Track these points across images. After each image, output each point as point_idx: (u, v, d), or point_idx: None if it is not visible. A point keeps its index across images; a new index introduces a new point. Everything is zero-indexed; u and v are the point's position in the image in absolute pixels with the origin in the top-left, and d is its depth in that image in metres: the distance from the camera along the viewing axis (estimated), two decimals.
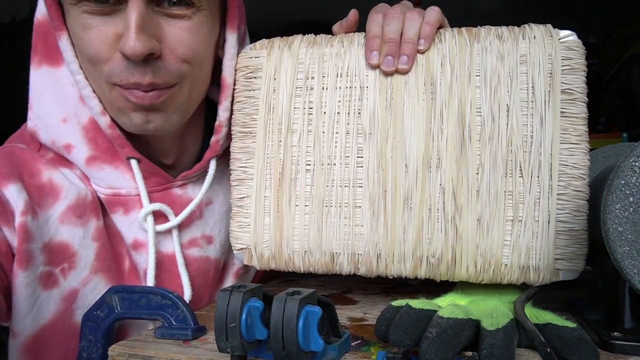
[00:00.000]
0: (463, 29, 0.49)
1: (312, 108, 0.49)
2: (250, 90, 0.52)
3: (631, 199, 0.35)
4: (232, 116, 0.54)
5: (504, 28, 0.48)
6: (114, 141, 0.53)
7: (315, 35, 0.52)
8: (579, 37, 0.46)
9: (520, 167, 0.45)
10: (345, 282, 0.69)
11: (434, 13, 0.50)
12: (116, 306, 0.46)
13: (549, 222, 0.44)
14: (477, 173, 0.45)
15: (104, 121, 0.52)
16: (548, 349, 0.33)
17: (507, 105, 0.45)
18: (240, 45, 0.57)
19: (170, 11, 0.48)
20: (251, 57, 0.53)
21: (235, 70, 0.54)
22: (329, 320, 0.38)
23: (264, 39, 0.54)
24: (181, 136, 0.57)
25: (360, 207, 0.47)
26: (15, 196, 0.48)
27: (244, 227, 0.51)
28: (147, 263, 0.53)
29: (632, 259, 0.35)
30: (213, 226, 0.59)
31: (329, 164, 0.48)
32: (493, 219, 0.45)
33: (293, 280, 0.72)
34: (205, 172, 0.58)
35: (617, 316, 0.41)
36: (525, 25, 0.48)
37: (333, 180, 0.48)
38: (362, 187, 0.48)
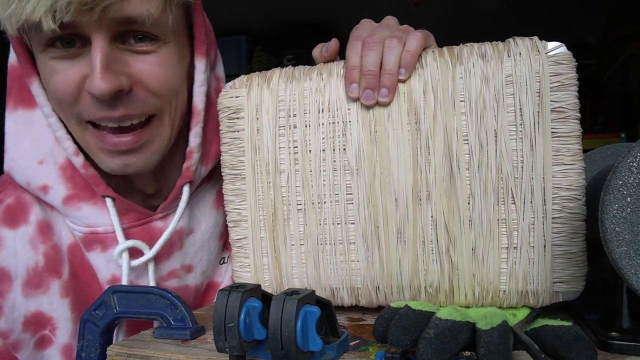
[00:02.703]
0: (445, 49, 0.47)
1: (297, 147, 0.48)
2: (234, 132, 0.51)
3: (629, 199, 0.35)
4: (221, 158, 0.52)
5: (487, 46, 0.45)
6: (88, 180, 0.52)
7: (294, 67, 0.50)
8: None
9: (512, 194, 0.43)
10: None
11: (415, 39, 0.46)
12: (115, 306, 0.46)
13: (544, 247, 0.43)
14: (468, 203, 0.44)
15: (78, 161, 0.52)
16: (543, 355, 0.33)
17: (494, 130, 0.44)
18: (212, 70, 0.57)
19: (136, 47, 0.48)
20: (232, 97, 0.51)
21: (218, 111, 0.52)
22: (327, 320, 0.39)
23: (243, 76, 0.51)
24: (161, 166, 0.56)
25: (354, 243, 0.47)
26: None
27: (245, 267, 0.51)
28: None
29: (629, 259, 0.35)
30: (194, 255, 0.59)
31: (319, 202, 0.48)
32: (487, 247, 0.44)
33: None
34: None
35: (615, 316, 0.41)
36: (510, 40, 0.45)
37: (325, 219, 0.48)
38: (354, 223, 0.47)
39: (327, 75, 0.49)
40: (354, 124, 0.47)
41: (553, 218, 0.43)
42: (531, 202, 0.43)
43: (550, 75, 0.43)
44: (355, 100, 0.47)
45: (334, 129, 0.48)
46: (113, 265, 0.54)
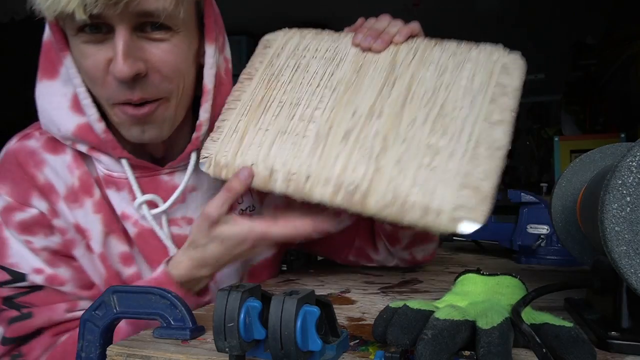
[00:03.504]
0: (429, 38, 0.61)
1: (299, 67, 0.62)
2: (261, 55, 0.66)
3: (628, 198, 0.35)
4: (243, 70, 0.66)
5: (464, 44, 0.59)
6: (107, 144, 0.61)
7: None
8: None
9: (446, 128, 0.52)
10: (344, 282, 0.69)
11: (413, 23, 0.62)
12: (115, 306, 0.46)
13: (457, 174, 0.49)
14: (408, 125, 0.53)
15: (100, 127, 0.60)
16: (544, 350, 0.33)
17: (448, 84, 0.55)
18: (221, 52, 0.65)
19: (152, 35, 0.55)
20: (272, 35, 0.68)
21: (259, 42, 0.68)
22: (327, 320, 0.39)
23: (286, 29, 0.67)
24: (170, 136, 0.63)
25: (307, 136, 0.56)
26: (43, 207, 0.61)
27: (215, 140, 0.61)
28: (135, 232, 0.64)
29: (629, 259, 0.35)
30: (195, 210, 0.67)
31: (297, 103, 0.59)
32: (410, 162, 0.51)
33: (292, 280, 0.72)
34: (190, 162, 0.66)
35: (615, 316, 0.41)
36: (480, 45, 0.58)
37: (294, 115, 0.59)
38: (314, 122, 0.57)
39: (344, 35, 0.65)
40: (348, 59, 0.61)
41: (472, 156, 0.50)
42: (459, 138, 0.51)
43: (501, 67, 0.55)
44: (357, 45, 0.62)
45: (332, 61, 0.62)
46: (124, 203, 0.64)
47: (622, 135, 1.89)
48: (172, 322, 0.44)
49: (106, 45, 0.54)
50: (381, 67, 0.59)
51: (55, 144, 0.64)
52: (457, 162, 0.50)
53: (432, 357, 0.32)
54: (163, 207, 0.64)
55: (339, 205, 0.53)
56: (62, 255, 0.63)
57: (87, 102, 0.59)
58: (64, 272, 0.63)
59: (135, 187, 0.63)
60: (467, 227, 0.48)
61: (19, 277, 0.61)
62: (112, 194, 0.64)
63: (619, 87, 2.34)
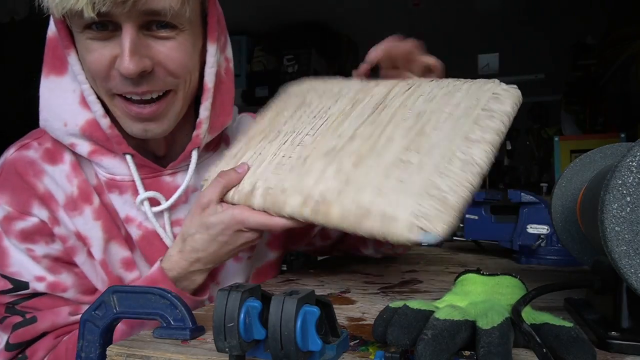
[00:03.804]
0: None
1: (303, 103, 0.67)
2: (277, 98, 0.72)
3: (628, 198, 0.35)
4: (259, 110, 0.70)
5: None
6: (112, 139, 0.62)
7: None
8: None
9: (421, 145, 0.51)
10: (344, 282, 0.69)
11: (434, 59, 0.67)
12: (115, 306, 0.46)
13: (424, 185, 0.47)
14: (385, 144, 0.53)
15: (105, 122, 0.61)
16: (544, 350, 0.33)
17: (433, 110, 0.54)
18: (222, 52, 0.67)
19: (158, 34, 0.57)
20: (290, 83, 0.74)
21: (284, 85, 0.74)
22: (327, 320, 0.38)
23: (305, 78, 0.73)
24: (172, 133, 0.65)
25: (291, 157, 0.58)
26: (44, 216, 0.61)
27: (216, 165, 0.65)
28: (139, 235, 0.65)
29: (629, 259, 0.35)
30: None
31: (291, 132, 0.62)
32: (379, 176, 0.50)
33: (291, 280, 0.72)
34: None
35: (615, 316, 0.41)
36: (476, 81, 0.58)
37: (286, 141, 0.61)
38: (301, 146, 0.59)
39: (352, 78, 0.68)
40: (348, 95, 0.64)
41: (443, 170, 0.48)
42: (431, 154, 0.50)
43: (492, 94, 0.53)
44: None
45: (333, 98, 0.65)
46: (127, 206, 0.65)
47: (622, 135, 1.89)
48: (172, 322, 0.44)
49: (112, 42, 0.55)
50: (375, 98, 0.60)
51: (53, 154, 0.64)
52: (426, 175, 0.48)
53: (432, 357, 0.32)
54: (165, 204, 0.64)
55: (306, 218, 0.53)
56: (63, 262, 0.63)
57: (91, 98, 0.60)
58: (65, 278, 0.63)
59: (138, 183, 0.63)
60: (425, 237, 0.45)
61: (21, 285, 0.61)
62: (114, 198, 0.65)
63: (619, 87, 2.34)
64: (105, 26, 0.55)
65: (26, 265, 0.61)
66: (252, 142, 0.64)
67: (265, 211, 0.56)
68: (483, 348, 0.33)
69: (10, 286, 0.61)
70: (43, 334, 0.61)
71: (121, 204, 0.65)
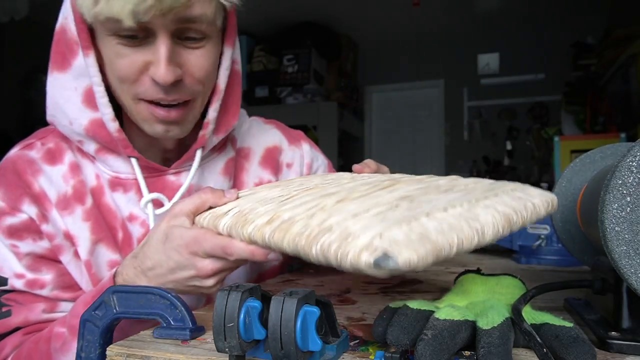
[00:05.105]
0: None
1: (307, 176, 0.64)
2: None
3: (628, 198, 0.35)
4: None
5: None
6: (119, 142, 0.62)
7: None
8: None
9: (420, 197, 0.43)
10: (344, 282, 0.69)
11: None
12: (114, 306, 0.46)
13: (407, 218, 0.38)
14: (381, 190, 0.46)
15: (113, 126, 0.61)
16: (545, 350, 0.33)
17: (455, 184, 0.47)
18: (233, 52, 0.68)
19: (188, 43, 0.58)
20: None
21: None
22: (327, 320, 0.39)
23: None
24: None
25: (280, 196, 0.52)
26: (33, 213, 0.62)
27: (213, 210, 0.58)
28: (142, 232, 0.65)
29: (629, 259, 0.35)
30: None
31: (288, 185, 0.57)
32: (358, 206, 0.42)
33: (291, 280, 0.72)
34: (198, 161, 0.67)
35: (615, 316, 0.41)
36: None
37: (280, 187, 0.55)
38: (295, 190, 0.52)
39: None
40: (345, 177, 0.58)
41: (436, 217, 0.39)
42: (428, 202, 0.42)
43: (522, 188, 0.45)
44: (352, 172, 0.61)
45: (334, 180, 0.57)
46: (131, 205, 0.66)
47: (622, 135, 1.89)
48: (172, 322, 0.44)
49: (144, 48, 0.56)
50: (385, 177, 0.55)
51: (54, 154, 0.65)
52: (412, 213, 0.39)
53: (432, 357, 0.32)
54: (168, 205, 0.64)
55: (264, 239, 0.44)
56: (47, 259, 0.63)
57: (103, 100, 0.60)
58: (45, 275, 0.63)
59: (142, 184, 0.64)
60: (383, 261, 0.32)
61: (0, 281, 0.61)
62: (118, 197, 0.65)
63: (619, 87, 2.34)
64: (138, 32, 0.55)
65: (8, 261, 0.62)
66: (247, 196, 0.56)
67: (228, 234, 0.48)
68: (483, 348, 0.33)
69: None
70: (16, 329, 0.62)
71: (125, 202, 0.65)
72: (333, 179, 0.58)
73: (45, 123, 0.67)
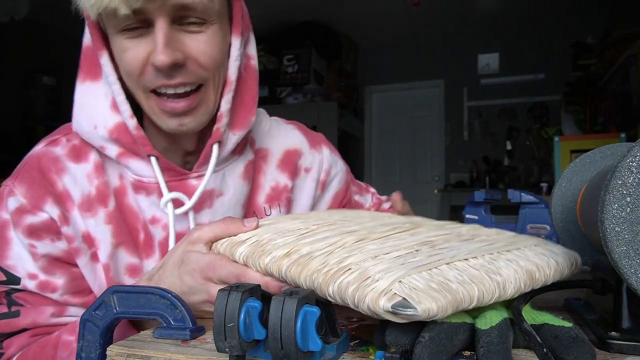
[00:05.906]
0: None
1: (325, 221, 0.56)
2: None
3: (628, 199, 0.35)
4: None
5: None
6: (138, 140, 0.63)
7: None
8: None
9: (442, 245, 0.44)
10: None
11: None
12: (115, 306, 0.46)
13: (427, 265, 0.39)
14: (405, 236, 0.47)
15: (132, 123, 0.62)
16: (545, 350, 0.33)
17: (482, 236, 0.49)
18: (245, 47, 0.68)
19: (189, 28, 0.59)
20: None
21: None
22: (327, 320, 0.39)
23: None
24: (202, 128, 0.65)
25: (300, 229, 0.51)
26: (55, 214, 0.62)
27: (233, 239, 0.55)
28: (163, 236, 0.65)
29: (629, 259, 0.35)
30: (221, 216, 0.66)
31: (307, 218, 0.56)
32: (377, 250, 0.42)
33: None
34: (219, 164, 0.67)
35: (615, 316, 0.41)
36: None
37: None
38: (329, 225, 0.52)
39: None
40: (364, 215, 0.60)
41: (457, 267, 0.40)
42: (448, 251, 0.43)
43: (549, 248, 0.48)
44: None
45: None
46: (154, 207, 0.66)
47: (622, 135, 1.89)
48: (172, 322, 0.44)
49: (146, 39, 0.58)
50: (398, 220, 0.56)
51: (79, 151, 0.65)
52: (432, 260, 0.39)
53: (430, 359, 0.32)
54: (188, 205, 0.64)
55: (280, 272, 0.44)
56: (62, 262, 0.63)
57: (120, 98, 0.62)
58: (58, 278, 0.63)
59: (162, 184, 0.64)
60: (401, 309, 0.33)
61: (14, 280, 0.61)
62: (141, 199, 0.66)
63: (619, 87, 2.34)
64: (139, 25, 0.57)
65: (24, 261, 0.61)
66: (266, 226, 0.54)
67: (244, 263, 0.48)
68: (482, 348, 0.33)
69: (3, 278, 0.61)
70: (23, 329, 0.62)
71: (148, 205, 0.66)
72: (353, 216, 0.58)
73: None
